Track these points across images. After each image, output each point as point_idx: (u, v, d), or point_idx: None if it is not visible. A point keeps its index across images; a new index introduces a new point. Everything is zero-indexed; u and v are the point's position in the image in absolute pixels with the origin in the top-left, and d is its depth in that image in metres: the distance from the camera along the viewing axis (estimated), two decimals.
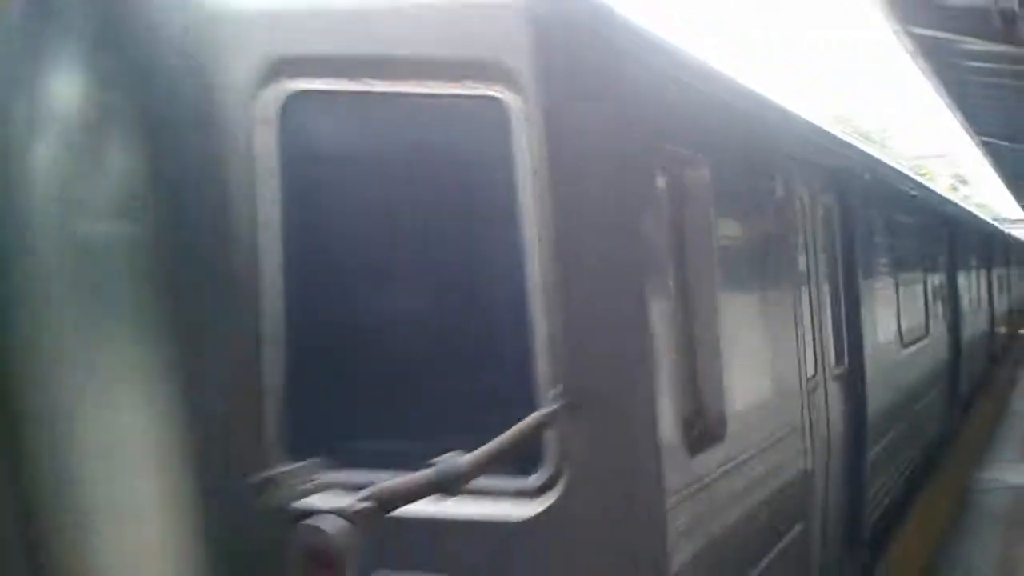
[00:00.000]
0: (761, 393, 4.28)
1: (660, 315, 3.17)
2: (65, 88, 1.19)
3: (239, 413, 1.51)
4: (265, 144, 2.87)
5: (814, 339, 5.22)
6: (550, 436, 2.87)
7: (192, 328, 1.32)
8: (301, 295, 2.89)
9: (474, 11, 2.86)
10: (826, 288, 5.71)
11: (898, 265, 8.19)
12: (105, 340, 1.22)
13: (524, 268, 2.87)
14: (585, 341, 2.92)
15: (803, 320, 4.97)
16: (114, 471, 1.19)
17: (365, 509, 1.91)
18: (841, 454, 5.61)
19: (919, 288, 9.32)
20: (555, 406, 2.85)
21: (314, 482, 1.86)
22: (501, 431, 2.61)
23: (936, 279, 10.57)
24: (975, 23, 10.02)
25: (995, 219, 41.24)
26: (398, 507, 2.08)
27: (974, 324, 14.01)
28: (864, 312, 6.42)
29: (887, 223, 8.02)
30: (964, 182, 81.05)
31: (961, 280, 12.69)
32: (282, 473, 1.75)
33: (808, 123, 6.22)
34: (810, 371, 5.04)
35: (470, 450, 2.40)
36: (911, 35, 10.62)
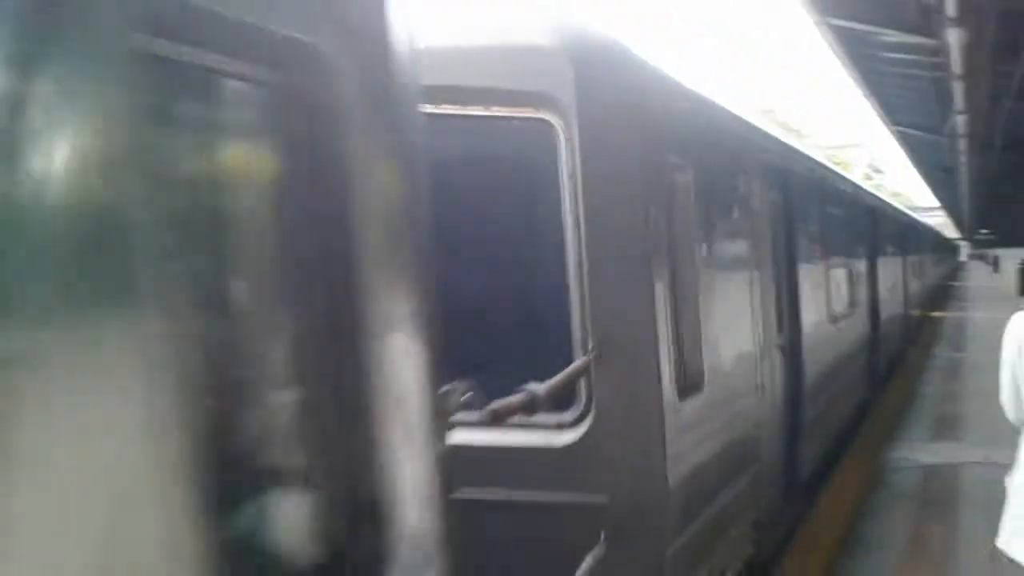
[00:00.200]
0: (728, 356, 5.23)
1: (660, 291, 4.07)
2: None
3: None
4: None
5: (764, 314, 6.19)
6: (582, 381, 3.76)
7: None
8: None
9: (529, 53, 3.69)
10: (771, 271, 6.69)
11: (827, 251, 9.27)
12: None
13: (565, 252, 3.74)
14: (608, 310, 3.80)
15: (757, 297, 5.95)
16: None
17: (490, 414, 2.77)
18: (783, 411, 6.63)
19: (844, 272, 10.44)
20: (587, 358, 3.73)
21: (458, 400, 2.68)
22: (551, 376, 3.49)
23: (859, 265, 11.74)
24: (892, 15, 10.69)
25: (909, 207, 43.32)
26: (506, 418, 2.94)
27: (891, 306, 15.31)
28: (801, 292, 7.45)
29: (819, 215, 9.08)
30: (879, 171, 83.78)
31: (880, 266, 13.93)
32: (444, 393, 2.57)
33: (760, 130, 7.19)
34: (761, 340, 6.02)
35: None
36: (830, 26, 11.19)
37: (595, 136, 3.76)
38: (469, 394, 2.76)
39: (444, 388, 2.67)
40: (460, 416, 2.70)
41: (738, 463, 5.29)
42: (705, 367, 4.63)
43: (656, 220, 4.11)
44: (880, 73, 14.99)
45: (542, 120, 3.70)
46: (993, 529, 4.56)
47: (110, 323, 1.20)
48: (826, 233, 9.34)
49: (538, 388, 3.13)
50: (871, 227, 13.60)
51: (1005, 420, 4.49)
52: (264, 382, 1.72)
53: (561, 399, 3.70)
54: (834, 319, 9.25)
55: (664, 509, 3.97)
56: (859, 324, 11.37)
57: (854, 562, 6.33)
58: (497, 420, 2.81)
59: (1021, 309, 4.44)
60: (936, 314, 27.74)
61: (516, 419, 3.33)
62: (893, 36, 11.71)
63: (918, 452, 9.43)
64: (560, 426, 3.75)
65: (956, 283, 52.49)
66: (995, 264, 60.37)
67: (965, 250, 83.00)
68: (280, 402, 1.74)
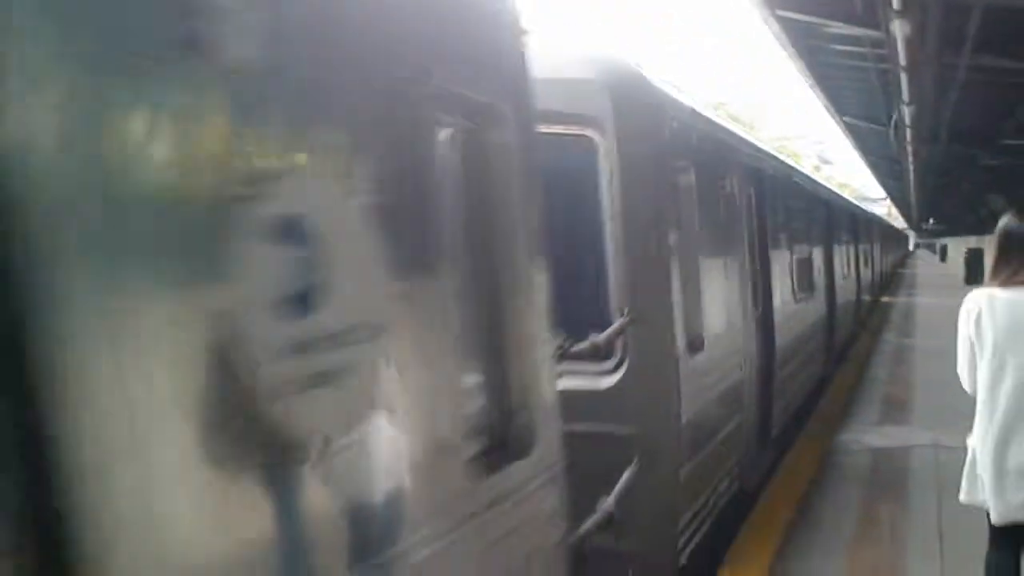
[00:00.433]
0: (719, 325, 6.35)
1: (675, 269, 5.16)
2: None
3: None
4: None
5: (744, 292, 7.34)
6: (618, 339, 4.84)
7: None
8: None
9: (578, 85, 4.75)
10: (748, 256, 7.83)
11: (792, 239, 10.46)
12: None
13: (604, 239, 4.81)
14: (638, 284, 4.88)
15: (739, 277, 7.09)
16: None
17: (575, 354, 3.86)
18: (758, 375, 7.78)
19: (805, 258, 11.66)
20: (624, 320, 4.82)
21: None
22: (599, 332, 4.59)
23: (817, 251, 12.98)
24: (839, 6, 10.68)
25: (858, 198, 44.72)
26: (582, 357, 4.05)
27: (845, 290, 16.62)
28: (771, 275, 8.62)
29: (784, 207, 10.27)
30: (827, 162, 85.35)
31: (835, 253, 15.21)
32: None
33: (738, 135, 8.33)
34: (743, 314, 7.16)
35: None
36: (777, 18, 11.03)
37: (625, 148, 4.85)
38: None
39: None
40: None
41: (727, 413, 6.43)
42: (704, 332, 5.75)
43: (668, 214, 5.21)
44: (827, 65, 15.09)
45: (587, 136, 4.77)
46: (942, 509, 5.46)
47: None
48: (790, 223, 10.53)
49: (599, 339, 4.23)
50: (827, 218, 14.86)
51: (952, 405, 4.91)
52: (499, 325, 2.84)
53: (603, 352, 4.79)
54: (797, 300, 10.46)
55: (679, 439, 5.09)
56: (818, 306, 12.62)
57: (807, 541, 6.29)
58: (577, 358, 3.87)
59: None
60: (886, 299, 29.29)
61: (566, 367, 4.40)
62: (839, 28, 11.69)
63: (868, 435, 9.38)
64: (601, 373, 4.83)
65: (905, 271, 54.01)
66: (942, 253, 62.27)
67: (913, 240, 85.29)
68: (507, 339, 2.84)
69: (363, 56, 2.16)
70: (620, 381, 4.85)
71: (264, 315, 1.70)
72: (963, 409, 4.39)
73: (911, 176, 28.50)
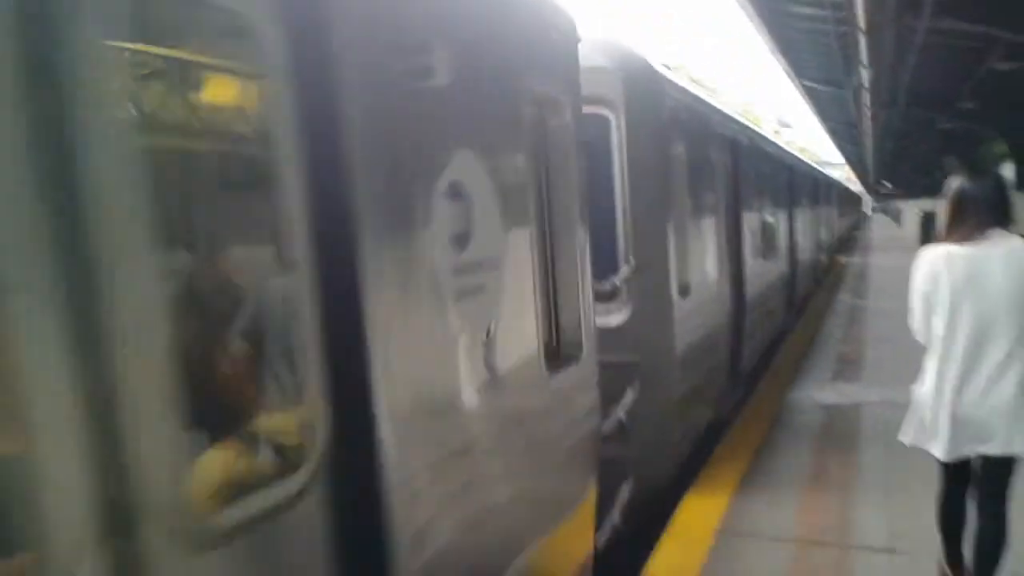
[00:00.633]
0: (701, 275, 7.40)
1: (670, 227, 6.17)
2: None
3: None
4: None
5: (720, 247, 8.39)
6: (625, 284, 5.86)
7: None
8: None
9: (596, 72, 5.70)
10: (724, 216, 8.87)
11: (760, 202, 11.54)
12: None
13: (615, 201, 5.80)
14: (641, 238, 5.89)
15: (718, 235, 8.13)
16: None
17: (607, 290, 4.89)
18: (731, 320, 8.87)
19: (771, 220, 12.75)
20: (630, 268, 5.83)
21: None
22: (612, 277, 5.60)
23: (781, 213, 14.08)
24: None
25: (816, 162, 45.64)
26: (607, 297, 5.06)
27: (805, 250, 17.82)
28: (743, 233, 9.68)
29: (755, 172, 11.32)
30: (787, 126, 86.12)
31: (797, 215, 16.35)
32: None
33: (719, 109, 9.33)
34: (718, 266, 8.22)
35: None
36: None
37: (632, 125, 5.83)
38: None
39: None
40: None
41: (708, 350, 7.51)
42: (691, 281, 6.80)
43: (666, 180, 6.21)
44: (787, 28, 15.07)
45: (602, 115, 5.73)
46: (891, 465, 6.05)
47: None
48: (759, 188, 11.60)
49: (617, 280, 5.26)
50: (790, 183, 15.97)
51: (902, 364, 5.18)
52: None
53: (614, 294, 5.81)
54: (764, 258, 11.57)
55: (672, 368, 6.15)
56: (781, 263, 13.76)
57: (759, 494, 6.38)
58: (599, 299, 4.90)
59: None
60: (842, 260, 30.65)
61: None
62: None
63: (820, 392, 9.55)
64: (611, 312, 5.85)
65: (861, 233, 55.02)
66: (897, 217, 63.69)
67: (870, 204, 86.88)
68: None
69: (492, 68, 3.13)
70: (626, 319, 5.88)
71: (450, 245, 2.70)
72: (924, 344, 4.46)
73: (869, 140, 28.63)
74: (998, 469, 4.26)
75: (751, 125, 12.72)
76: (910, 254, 4.69)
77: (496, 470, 3.05)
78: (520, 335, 3.34)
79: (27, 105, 1.41)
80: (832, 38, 14.84)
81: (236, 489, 1.87)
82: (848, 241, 42.54)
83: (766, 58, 19.95)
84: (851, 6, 9.66)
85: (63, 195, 1.44)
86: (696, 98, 7.73)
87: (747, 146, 10.55)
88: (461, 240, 2.81)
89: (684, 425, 6.62)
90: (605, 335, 5.76)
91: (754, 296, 10.23)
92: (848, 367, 10.87)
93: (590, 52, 5.81)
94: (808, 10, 13.59)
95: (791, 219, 15.48)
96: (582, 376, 4.04)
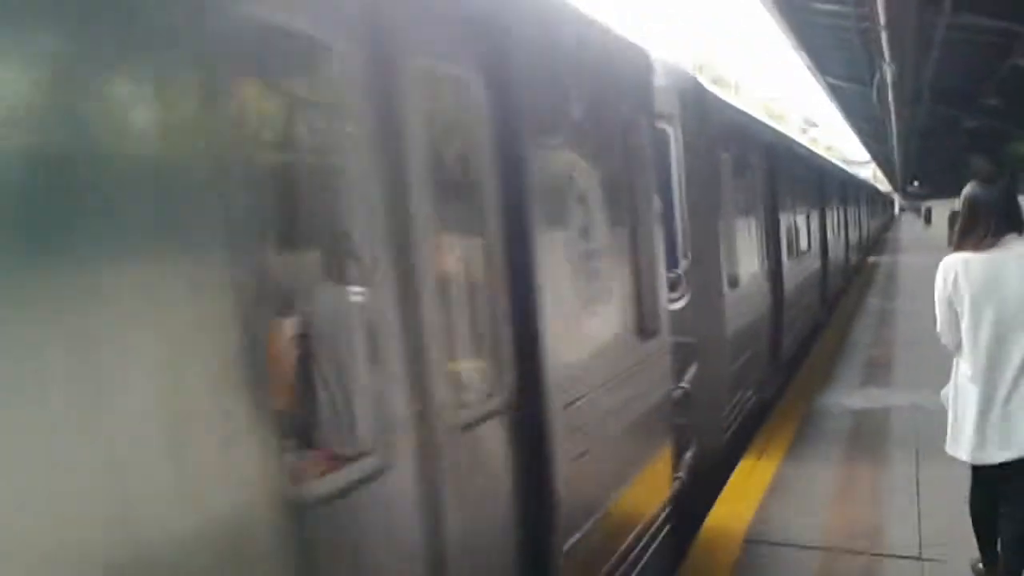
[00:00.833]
0: (747, 270, 8.26)
1: (720, 226, 7.05)
2: None
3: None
4: None
5: (761, 244, 9.25)
6: (684, 275, 6.74)
7: None
8: None
9: (658, 91, 6.59)
10: (764, 217, 9.72)
11: (794, 203, 12.36)
12: None
13: (674, 204, 6.69)
14: (696, 235, 6.77)
15: (759, 234, 9.00)
16: None
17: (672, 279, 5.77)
18: (772, 312, 9.71)
19: (804, 220, 13.56)
20: (687, 262, 6.72)
21: None
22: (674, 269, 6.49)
23: (814, 213, 14.87)
24: None
25: (843, 161, 45.47)
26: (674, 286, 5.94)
27: (835, 249, 18.55)
28: (780, 233, 10.53)
29: (789, 176, 12.15)
30: (813, 124, 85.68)
31: (827, 216, 17.10)
32: None
33: (759, 120, 10.19)
34: (760, 262, 9.08)
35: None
36: None
37: (687, 136, 6.72)
38: None
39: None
40: None
41: (753, 337, 8.37)
42: (738, 274, 7.67)
43: (715, 186, 7.08)
44: (810, 25, 15.04)
45: (663, 128, 6.62)
46: (919, 466, 6.24)
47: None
48: (793, 190, 12.42)
49: (679, 271, 6.16)
50: (820, 185, 16.72)
51: (931, 367, 5.21)
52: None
53: (676, 284, 6.70)
54: (799, 255, 12.39)
55: (724, 348, 7.02)
56: (815, 260, 14.56)
57: (786, 499, 6.31)
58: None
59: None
60: (873, 260, 31.16)
61: None
62: None
63: (850, 397, 9.43)
64: (672, 300, 6.73)
65: (890, 234, 54.70)
66: (927, 216, 63.49)
67: (899, 203, 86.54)
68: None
69: (603, 103, 4.05)
70: (685, 305, 6.76)
71: (579, 237, 3.61)
72: (952, 349, 4.50)
73: (894, 138, 28.40)
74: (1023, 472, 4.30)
75: (785, 133, 13.52)
76: (940, 254, 4.78)
77: (615, 411, 3.96)
78: (623, 308, 4.24)
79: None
80: (854, 34, 14.82)
81: (473, 395, 2.83)
82: (878, 242, 42.88)
83: (791, 55, 19.15)
84: (872, 1, 9.63)
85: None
86: (738, 110, 8.60)
87: (782, 152, 11.38)
88: (584, 233, 3.73)
89: (733, 400, 7.48)
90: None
91: (791, 291, 11.06)
92: (878, 371, 10.80)
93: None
94: (830, 6, 13.66)
95: (823, 221, 16.23)
96: (659, 347, 4.93)
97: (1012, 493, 4.36)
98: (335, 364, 2.31)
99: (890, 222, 70.07)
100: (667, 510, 5.06)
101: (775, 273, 10.08)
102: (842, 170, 26.60)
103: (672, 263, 6.64)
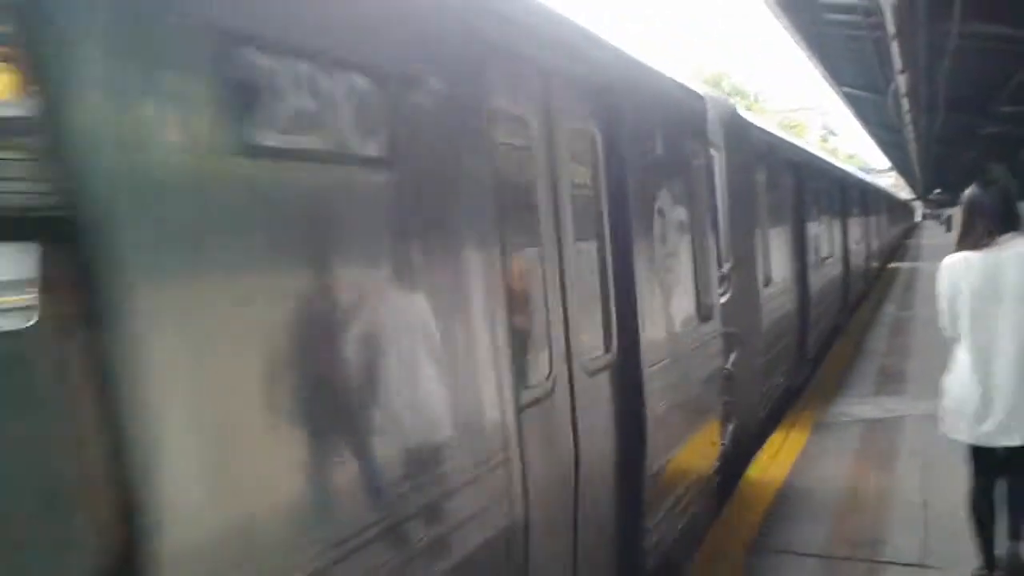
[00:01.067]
0: (780, 272, 9.46)
1: (757, 236, 8.26)
2: None
3: None
4: None
5: (790, 250, 10.45)
6: (728, 273, 7.96)
7: None
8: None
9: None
10: (792, 227, 10.91)
11: (819, 214, 13.54)
12: None
13: (718, 218, 7.90)
14: (737, 240, 7.98)
15: (789, 241, 10.21)
16: None
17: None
18: (799, 310, 10.90)
19: (827, 228, 14.72)
20: (730, 264, 7.94)
21: None
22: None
23: (836, 222, 16.01)
24: None
25: (864, 169, 45.48)
26: (723, 281, 7.17)
27: (857, 255, 19.64)
28: (807, 240, 11.72)
29: (814, 189, 13.32)
30: (833, 133, 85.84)
31: (849, 224, 18.21)
32: None
33: (787, 140, 11.39)
34: (791, 266, 10.28)
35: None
36: None
37: (731, 160, 7.94)
38: None
39: None
40: None
41: (784, 331, 9.58)
42: (772, 275, 8.88)
43: (753, 200, 8.30)
44: (824, 35, 15.18)
45: (711, 153, 7.85)
46: (927, 479, 6.57)
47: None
48: (818, 201, 13.60)
49: (725, 269, 7.39)
50: (843, 195, 17.82)
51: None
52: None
53: (722, 280, 7.92)
54: (824, 259, 13.57)
55: (760, 338, 8.23)
56: (837, 266, 15.71)
57: (792, 510, 6.53)
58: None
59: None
60: (893, 266, 32.01)
61: None
62: None
63: (863, 405, 9.49)
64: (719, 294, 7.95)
65: (912, 241, 54.73)
66: (948, 223, 63.56)
67: (920, 211, 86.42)
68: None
69: (674, 137, 5.31)
70: (728, 300, 7.97)
71: (659, 241, 4.85)
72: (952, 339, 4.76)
73: (913, 146, 28.41)
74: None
75: (810, 147, 14.69)
76: None
77: (683, 375, 5.19)
78: (688, 295, 5.47)
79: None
80: (867, 44, 14.92)
81: (596, 352, 4.11)
82: (898, 249, 43.53)
83: (808, 66, 19.40)
84: (881, 10, 9.69)
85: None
86: (771, 134, 9.83)
87: (808, 167, 12.58)
88: (663, 239, 4.97)
89: (767, 384, 8.69)
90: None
91: (816, 293, 12.24)
92: (891, 379, 10.86)
93: None
94: (843, 16, 13.89)
95: (844, 230, 17.33)
96: (713, 330, 6.15)
97: (1015, 480, 4.76)
98: (531, 319, 3.59)
99: (911, 229, 70.16)
100: (716, 464, 6.27)
101: (802, 276, 11.27)
102: (862, 180, 27.45)
103: (719, 263, 7.86)
